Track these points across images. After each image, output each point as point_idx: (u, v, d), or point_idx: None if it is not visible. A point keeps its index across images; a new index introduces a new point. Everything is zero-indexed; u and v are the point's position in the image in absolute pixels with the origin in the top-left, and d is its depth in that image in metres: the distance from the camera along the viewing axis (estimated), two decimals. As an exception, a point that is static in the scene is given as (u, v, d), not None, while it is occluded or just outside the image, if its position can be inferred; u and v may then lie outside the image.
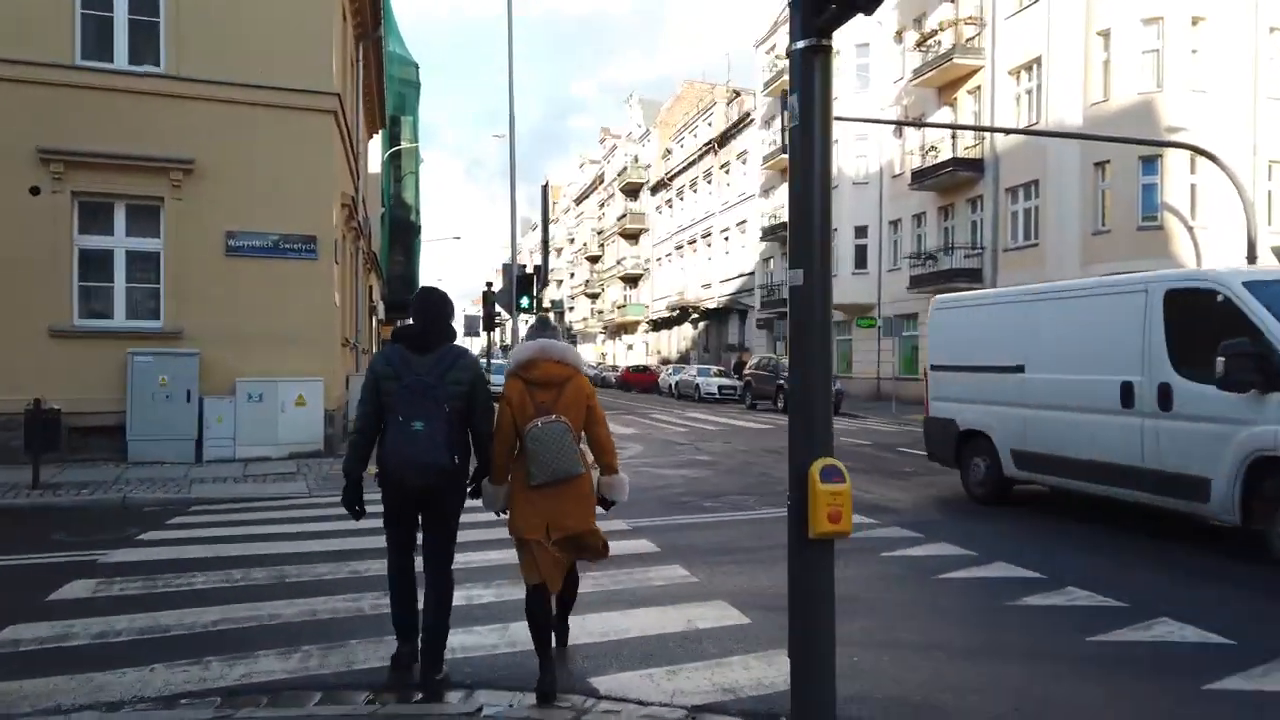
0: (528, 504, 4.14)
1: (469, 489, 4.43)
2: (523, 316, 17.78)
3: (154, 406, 12.39)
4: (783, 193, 40.27)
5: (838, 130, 30.90)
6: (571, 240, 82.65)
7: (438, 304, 4.40)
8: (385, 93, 26.53)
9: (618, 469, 4.37)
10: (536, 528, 4.13)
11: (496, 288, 22.61)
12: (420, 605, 4.44)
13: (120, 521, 8.76)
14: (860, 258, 33.23)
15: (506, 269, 22.35)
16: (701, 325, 50.36)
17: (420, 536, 4.46)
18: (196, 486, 10.68)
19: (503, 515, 4.35)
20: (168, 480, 10.99)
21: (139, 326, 12.88)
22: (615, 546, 7.13)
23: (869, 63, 32.94)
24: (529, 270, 18.29)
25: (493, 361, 42.42)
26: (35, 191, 12.27)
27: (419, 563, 4.47)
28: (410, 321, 4.38)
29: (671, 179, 55.52)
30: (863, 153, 33.16)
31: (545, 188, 22.29)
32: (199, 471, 11.79)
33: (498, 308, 26.94)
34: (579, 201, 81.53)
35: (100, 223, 12.83)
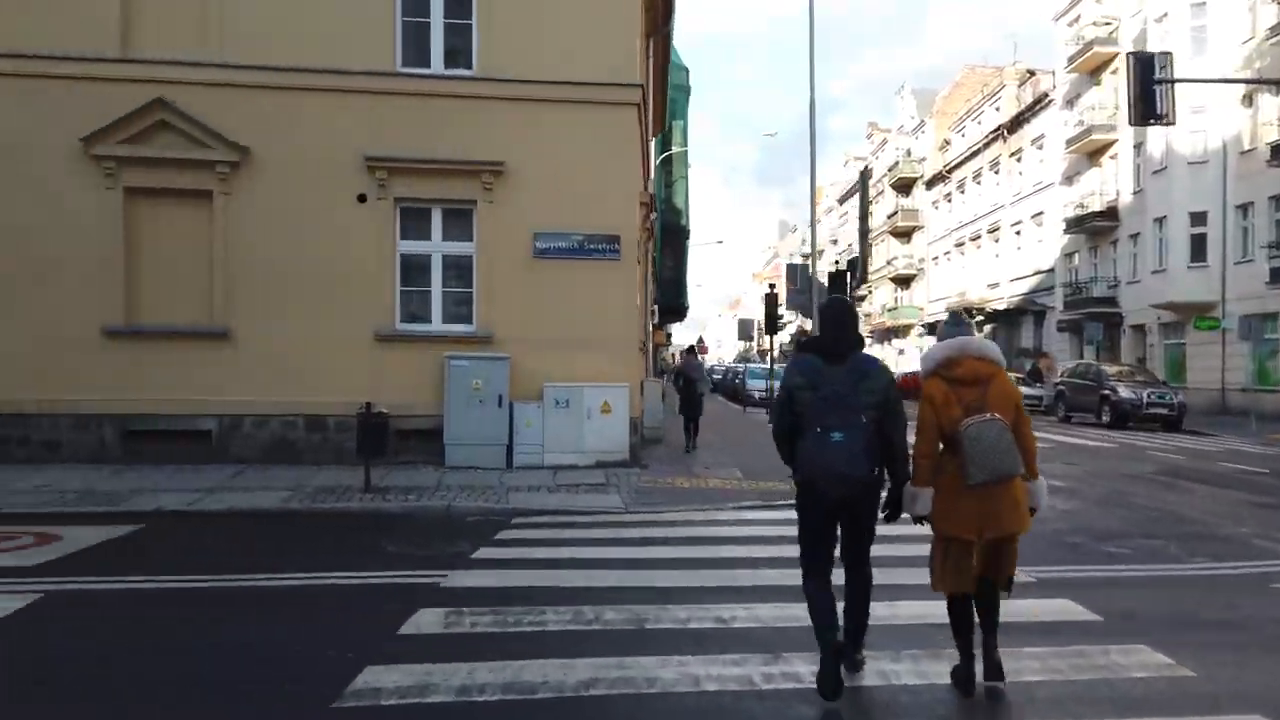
0: (961, 503, 4.09)
1: (884, 512, 4.34)
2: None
3: (469, 411, 12.29)
4: (1091, 179, 35.86)
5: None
6: (834, 241, 79.95)
7: (846, 313, 4.39)
8: (666, 93, 26.15)
9: (1038, 473, 4.30)
10: (970, 527, 4.09)
11: (768, 291, 21.47)
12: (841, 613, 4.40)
13: (446, 532, 8.39)
14: (1197, 249, 28.54)
15: (792, 270, 21.10)
16: (987, 328, 46.30)
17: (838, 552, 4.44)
18: (513, 496, 10.27)
19: (922, 525, 4.31)
20: (485, 488, 10.69)
21: (453, 330, 12.89)
22: (1032, 606, 5.61)
23: (1206, 24, 28.33)
24: (840, 266, 16.71)
25: (750, 366, 41.47)
26: (363, 199, 12.58)
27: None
28: (817, 333, 4.45)
29: (950, 171, 51.69)
30: (1198, 127, 28.44)
31: (864, 174, 20.07)
32: (511, 479, 11.46)
33: (782, 309, 25.78)
34: (842, 201, 78.72)
35: (419, 228, 12.98)
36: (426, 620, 5.41)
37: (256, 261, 12.36)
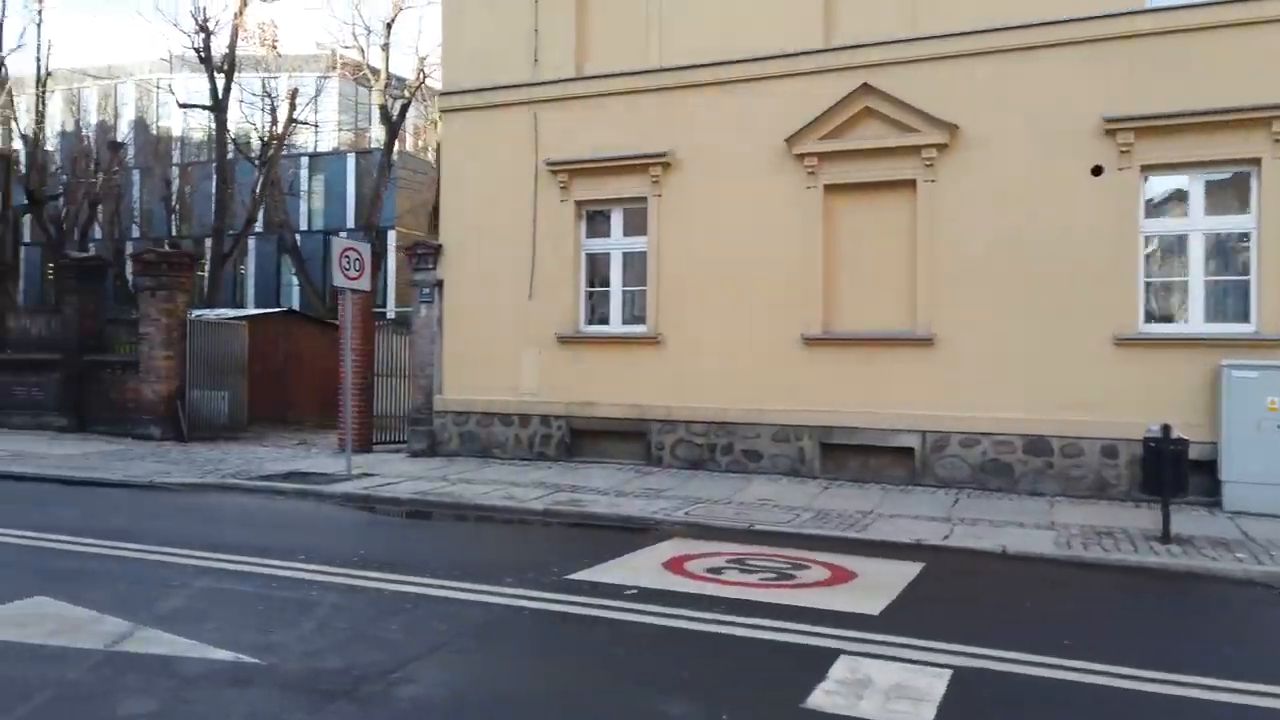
0: None
1: None
2: None
3: (1258, 438, 9.15)
4: None
5: None
6: None
7: None
8: None
9: None
10: None
11: None
12: None
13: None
14: None
15: None
16: None
17: None
18: None
19: None
20: (1342, 552, 7.51)
21: (1223, 332, 9.84)
22: None
23: None
24: None
25: None
26: (1098, 171, 10.20)
27: None
28: None
29: None
30: None
31: None
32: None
33: None
34: None
35: (1169, 202, 10.22)
36: None
37: (963, 255, 10.70)
